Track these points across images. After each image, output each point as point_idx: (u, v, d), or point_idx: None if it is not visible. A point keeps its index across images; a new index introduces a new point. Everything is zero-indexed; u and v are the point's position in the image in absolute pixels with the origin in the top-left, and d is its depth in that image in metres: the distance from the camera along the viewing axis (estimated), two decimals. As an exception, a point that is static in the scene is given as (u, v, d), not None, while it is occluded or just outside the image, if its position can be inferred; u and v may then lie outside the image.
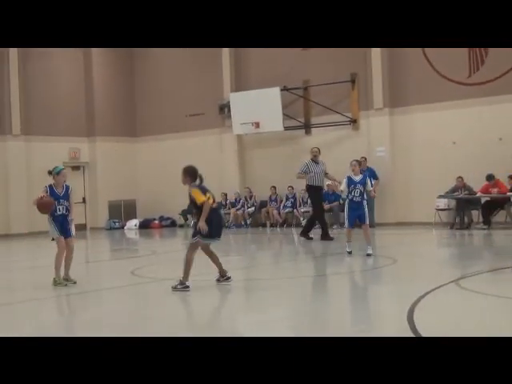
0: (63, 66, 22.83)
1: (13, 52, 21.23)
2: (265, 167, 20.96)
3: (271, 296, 7.95)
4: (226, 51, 21.40)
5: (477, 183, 16.48)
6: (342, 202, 15.13)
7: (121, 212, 23.41)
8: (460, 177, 16.79)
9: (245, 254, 14.11)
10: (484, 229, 15.97)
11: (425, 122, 18.12)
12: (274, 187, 20.48)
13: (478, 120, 17.19)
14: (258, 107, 19.65)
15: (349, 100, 19.45)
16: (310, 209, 19.48)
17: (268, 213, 20.46)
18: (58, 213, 8.97)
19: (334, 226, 18.06)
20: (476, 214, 17.02)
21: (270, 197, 20.62)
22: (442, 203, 17.59)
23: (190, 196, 8.17)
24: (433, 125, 17.99)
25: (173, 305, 7.67)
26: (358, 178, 11.31)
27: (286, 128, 19.88)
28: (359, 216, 11.28)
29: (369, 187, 11.38)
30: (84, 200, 23.05)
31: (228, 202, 21.23)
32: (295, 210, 20.03)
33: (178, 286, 8.07)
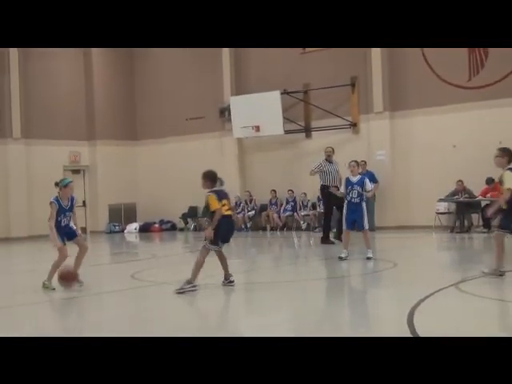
0: (63, 66, 22.85)
1: (13, 52, 21.24)
2: (265, 171, 20.96)
3: (271, 299, 7.94)
4: (226, 52, 21.42)
5: (477, 187, 16.48)
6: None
7: (121, 215, 23.40)
8: (460, 180, 16.80)
9: (245, 257, 14.08)
10: (484, 232, 15.94)
11: (425, 126, 18.13)
12: (274, 191, 20.48)
13: (478, 124, 17.19)
14: (259, 111, 19.66)
15: (349, 103, 19.46)
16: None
17: (268, 216, 20.45)
18: (63, 224, 8.88)
19: (334, 230, 17.95)
20: (476, 218, 17.04)
21: (270, 200, 20.63)
22: (442, 207, 17.60)
23: (206, 201, 8.37)
24: (433, 128, 17.99)
25: (173, 308, 7.65)
26: (355, 178, 11.20)
27: (287, 132, 19.90)
28: (356, 220, 11.08)
29: (368, 188, 11.19)
30: (84, 203, 23.02)
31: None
32: (295, 214, 20.03)
33: (185, 286, 8.12)
